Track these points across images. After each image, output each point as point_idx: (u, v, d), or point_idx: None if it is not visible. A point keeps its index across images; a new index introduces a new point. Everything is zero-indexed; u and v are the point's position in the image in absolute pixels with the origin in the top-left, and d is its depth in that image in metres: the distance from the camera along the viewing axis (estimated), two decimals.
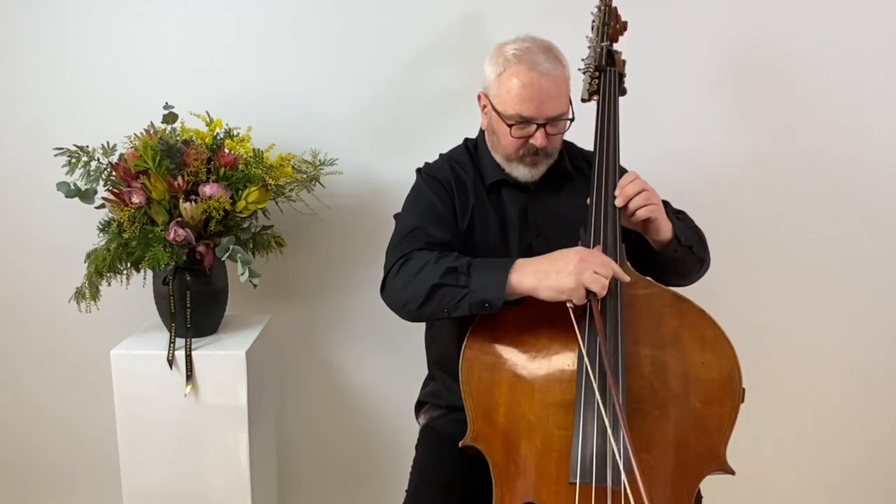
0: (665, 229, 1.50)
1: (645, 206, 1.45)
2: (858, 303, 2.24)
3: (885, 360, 2.27)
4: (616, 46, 1.70)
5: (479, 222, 1.62)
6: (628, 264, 1.44)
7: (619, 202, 1.46)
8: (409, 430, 1.87)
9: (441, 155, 1.74)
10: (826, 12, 2.08)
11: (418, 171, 1.71)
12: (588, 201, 1.51)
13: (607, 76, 1.64)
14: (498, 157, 1.62)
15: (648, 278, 1.44)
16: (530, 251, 1.57)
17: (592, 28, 1.71)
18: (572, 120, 1.57)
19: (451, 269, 1.38)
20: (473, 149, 1.71)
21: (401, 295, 1.45)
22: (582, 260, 1.30)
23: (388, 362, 2.23)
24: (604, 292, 1.30)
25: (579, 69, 1.67)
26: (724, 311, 1.42)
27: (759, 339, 2.19)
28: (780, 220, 2.18)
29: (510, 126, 1.52)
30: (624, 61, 1.70)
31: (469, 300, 1.36)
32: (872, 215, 2.19)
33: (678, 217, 1.61)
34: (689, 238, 1.57)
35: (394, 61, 2.10)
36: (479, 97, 1.63)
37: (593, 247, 1.42)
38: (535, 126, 1.52)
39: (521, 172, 1.60)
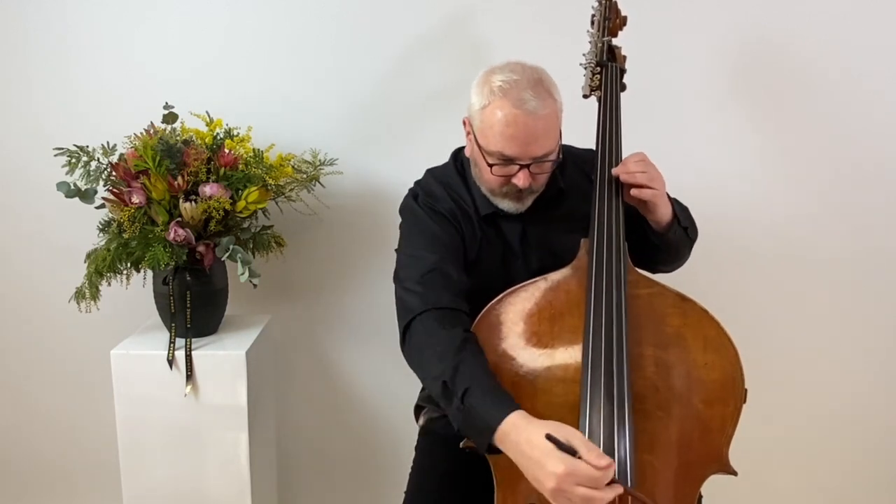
0: (666, 212, 1.49)
1: (648, 187, 1.44)
2: (862, 303, 2.23)
3: (888, 362, 2.27)
4: (616, 41, 1.69)
5: (482, 255, 1.57)
6: (630, 262, 1.43)
7: (617, 171, 1.46)
8: (408, 430, 1.87)
9: (428, 171, 1.68)
10: (832, 8, 2.07)
11: (415, 196, 1.63)
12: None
13: (608, 72, 1.63)
14: (482, 189, 1.56)
15: (651, 278, 1.43)
16: (542, 271, 1.50)
17: (593, 23, 1.70)
18: (557, 160, 1.50)
19: (444, 386, 1.27)
20: (462, 169, 1.63)
21: (416, 371, 1.39)
22: (558, 490, 1.09)
23: (389, 362, 2.23)
24: None
25: (580, 64, 1.66)
26: (726, 312, 1.42)
27: (761, 340, 2.19)
28: (783, 219, 2.18)
29: (491, 165, 1.45)
30: (625, 56, 1.69)
31: (456, 425, 1.27)
32: (877, 215, 2.19)
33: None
34: (686, 219, 1.56)
35: (394, 60, 2.09)
36: (463, 122, 1.54)
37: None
38: (517, 166, 1.43)
39: (506, 206, 1.54)
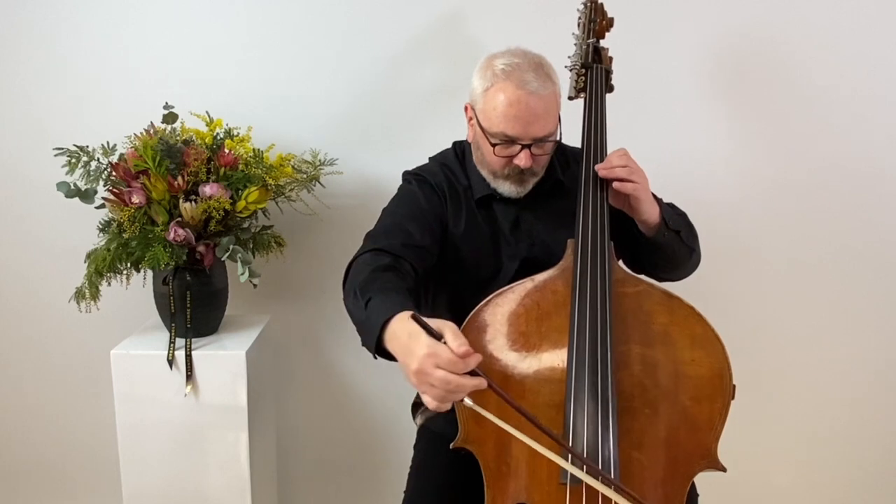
0: (651, 211, 1.48)
1: (628, 180, 1.44)
2: (857, 302, 2.23)
3: (885, 360, 2.27)
4: (603, 43, 1.70)
5: (470, 235, 1.59)
6: (616, 262, 1.44)
7: (598, 167, 1.47)
8: (408, 430, 1.87)
9: (430, 159, 1.72)
10: (822, 7, 2.07)
11: (406, 173, 1.68)
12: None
13: (594, 73, 1.63)
14: (483, 172, 1.59)
15: (638, 276, 1.44)
16: (527, 262, 1.56)
17: (578, 25, 1.71)
18: (558, 141, 1.54)
19: (355, 294, 1.30)
20: (461, 155, 1.67)
21: (344, 298, 1.40)
22: (419, 371, 1.08)
23: (388, 362, 2.22)
24: (442, 408, 1.11)
25: (566, 66, 1.67)
26: (718, 309, 1.42)
27: (753, 337, 2.20)
28: (773, 218, 2.18)
29: (494, 145, 1.48)
30: (611, 58, 1.69)
31: (361, 334, 1.27)
32: (872, 214, 2.18)
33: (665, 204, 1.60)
34: (677, 223, 1.55)
35: (394, 60, 2.10)
36: (465, 108, 1.59)
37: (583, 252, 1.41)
38: (519, 146, 1.47)
39: (506, 189, 1.56)
